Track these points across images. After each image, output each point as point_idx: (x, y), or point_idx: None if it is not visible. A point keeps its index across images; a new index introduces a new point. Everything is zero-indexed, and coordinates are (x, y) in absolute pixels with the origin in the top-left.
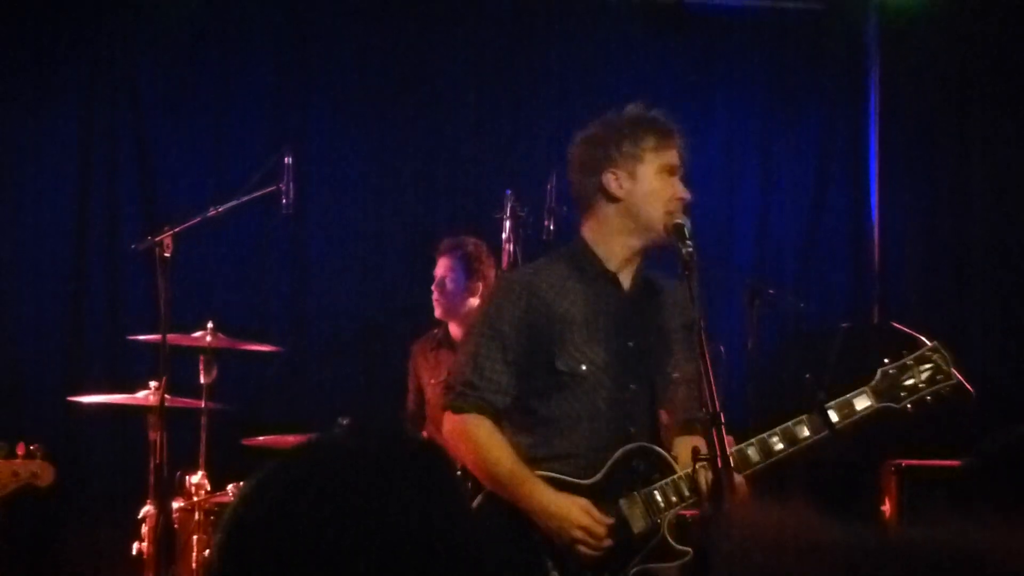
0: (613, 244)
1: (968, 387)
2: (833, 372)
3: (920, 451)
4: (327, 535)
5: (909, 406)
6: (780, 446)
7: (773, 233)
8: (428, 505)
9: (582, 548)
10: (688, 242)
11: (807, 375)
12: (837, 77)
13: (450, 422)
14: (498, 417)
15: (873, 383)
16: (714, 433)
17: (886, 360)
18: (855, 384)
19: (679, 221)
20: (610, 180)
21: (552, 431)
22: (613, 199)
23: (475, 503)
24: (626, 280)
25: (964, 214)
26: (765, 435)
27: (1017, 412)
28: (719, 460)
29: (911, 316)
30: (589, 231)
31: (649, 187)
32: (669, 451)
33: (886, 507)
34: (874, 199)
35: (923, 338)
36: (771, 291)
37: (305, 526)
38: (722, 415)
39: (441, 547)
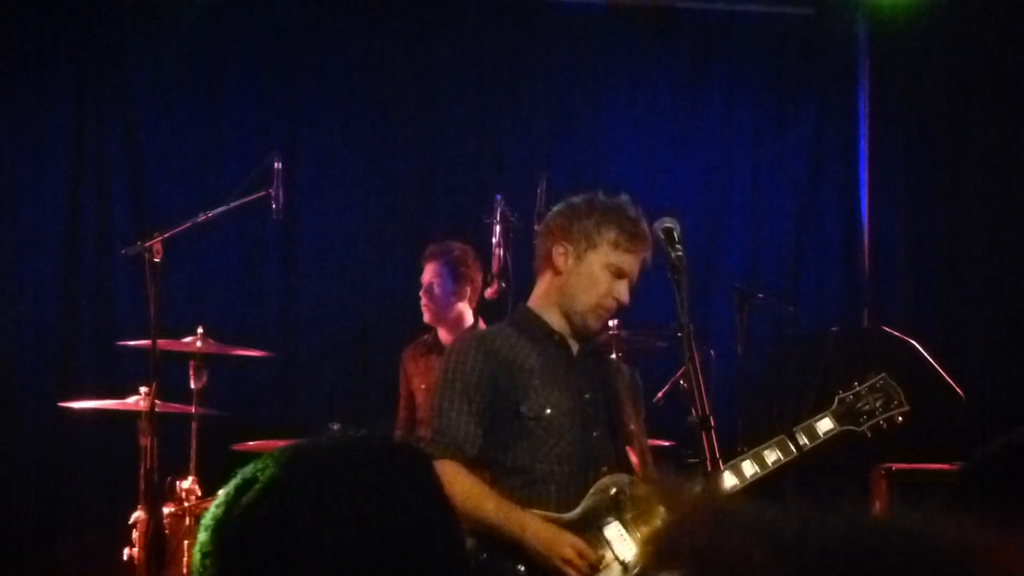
0: (554, 314)
1: (958, 390)
2: (823, 377)
3: (910, 454)
4: (309, 536)
5: (868, 431)
6: (752, 470)
7: (764, 237)
8: (410, 508)
9: (570, 570)
10: (678, 246)
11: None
12: (828, 82)
13: None
14: (469, 464)
15: (833, 408)
16: (704, 437)
17: (840, 391)
18: (817, 409)
19: (668, 225)
20: (558, 252)
21: (522, 479)
22: (557, 272)
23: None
24: (574, 345)
25: (954, 218)
26: (737, 460)
27: (1008, 415)
28: (709, 463)
29: (901, 320)
30: (535, 299)
31: (589, 274)
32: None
33: (876, 511)
34: (864, 203)
35: (870, 374)
36: (760, 295)
37: (286, 527)
38: (712, 419)
39: (423, 549)
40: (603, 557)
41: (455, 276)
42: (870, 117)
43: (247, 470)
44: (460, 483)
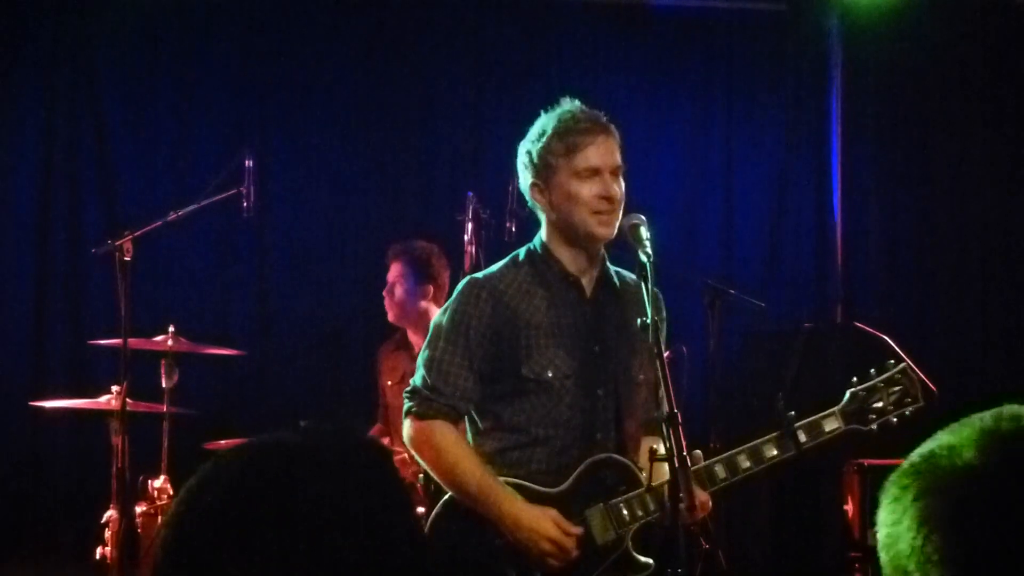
0: (565, 252)
1: (931, 387)
2: (796, 372)
3: (883, 450)
4: (269, 534)
5: (875, 427)
6: (747, 464)
7: (736, 233)
8: (370, 504)
9: (550, 560)
10: (645, 243)
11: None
12: (800, 78)
13: (413, 428)
14: (459, 422)
15: (842, 405)
16: (671, 432)
17: (855, 379)
18: (823, 405)
19: (636, 222)
20: (534, 193)
21: (517, 437)
22: (546, 210)
23: (436, 509)
24: (589, 284)
25: (927, 213)
26: (732, 452)
27: (980, 410)
28: (676, 459)
29: (874, 316)
30: (546, 236)
31: (566, 193)
32: (637, 456)
33: (848, 507)
34: (837, 199)
35: (892, 360)
36: (733, 291)
37: (247, 525)
38: (679, 414)
39: (383, 546)
40: (579, 540)
41: (418, 275)
42: (842, 112)
43: (207, 467)
44: (447, 446)
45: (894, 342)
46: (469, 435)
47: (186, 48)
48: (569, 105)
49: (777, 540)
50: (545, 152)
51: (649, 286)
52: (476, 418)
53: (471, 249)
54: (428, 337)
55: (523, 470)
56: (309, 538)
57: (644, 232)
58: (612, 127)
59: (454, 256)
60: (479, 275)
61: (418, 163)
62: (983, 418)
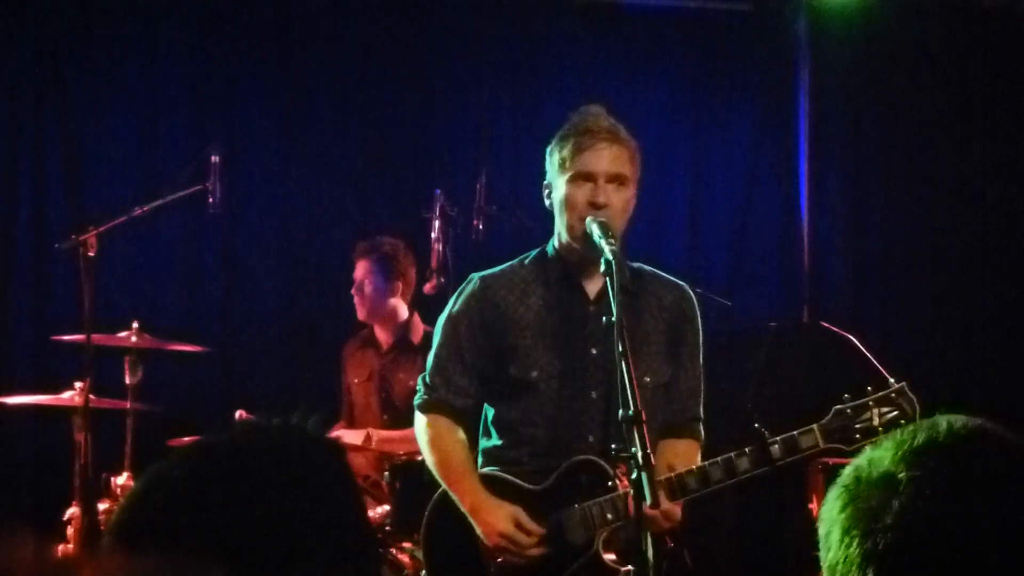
0: (571, 253)
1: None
2: (762, 371)
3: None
4: (216, 534)
5: (860, 447)
6: (719, 476)
7: (703, 233)
8: (318, 500)
9: (504, 554)
10: (611, 240)
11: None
12: (767, 77)
13: (416, 421)
14: (459, 417)
15: (824, 421)
16: (635, 432)
17: (846, 396)
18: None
19: (602, 219)
20: (545, 195)
21: (508, 434)
22: (554, 212)
23: (435, 497)
24: (593, 286)
25: (893, 214)
26: (706, 464)
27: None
28: (640, 458)
29: (840, 315)
30: (555, 237)
31: (563, 196)
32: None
33: (813, 505)
34: (804, 199)
35: (892, 380)
36: (698, 290)
37: (193, 526)
38: (643, 413)
39: (332, 541)
40: (542, 539)
41: (386, 272)
42: (810, 113)
43: (152, 469)
44: (436, 440)
45: (860, 342)
46: (481, 432)
47: (152, 43)
48: (586, 109)
49: (742, 539)
50: (556, 155)
51: (614, 285)
52: (485, 416)
53: (438, 247)
54: (434, 333)
55: (513, 467)
56: (258, 539)
57: (607, 231)
58: (622, 135)
59: (422, 254)
60: (482, 272)
61: (385, 160)
62: (905, 431)
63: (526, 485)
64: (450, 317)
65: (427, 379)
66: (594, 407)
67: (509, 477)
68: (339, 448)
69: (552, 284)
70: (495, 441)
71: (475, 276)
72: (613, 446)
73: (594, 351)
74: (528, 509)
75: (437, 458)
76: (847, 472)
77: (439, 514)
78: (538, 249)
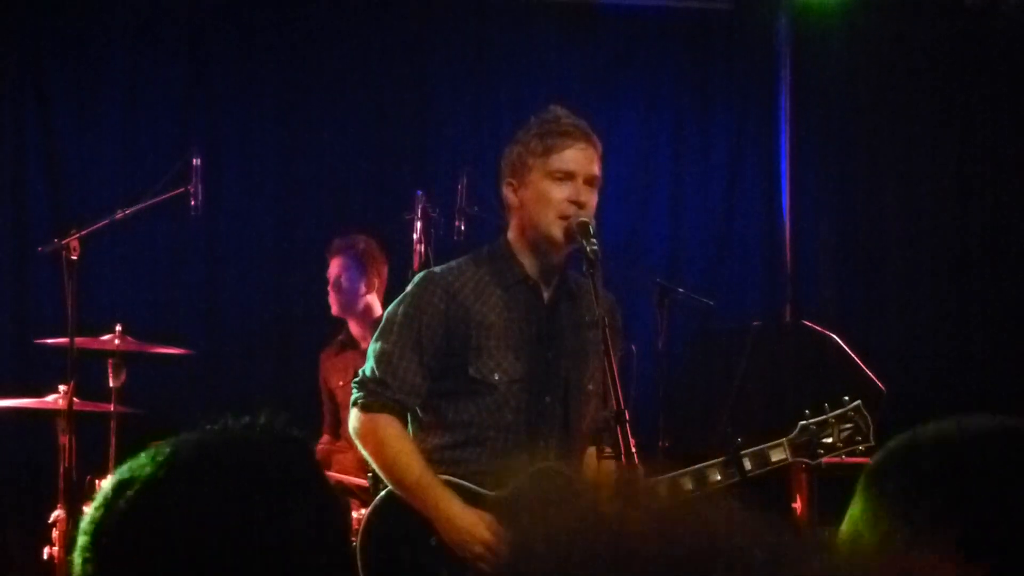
0: (528, 255)
1: (879, 384)
2: (745, 371)
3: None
4: (186, 536)
5: (823, 462)
6: (690, 486)
7: (685, 231)
8: (290, 502)
9: (480, 564)
10: (593, 240)
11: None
12: (748, 76)
13: (358, 420)
14: (405, 416)
15: (792, 436)
16: (619, 430)
17: (807, 412)
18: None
19: (584, 219)
20: (508, 191)
21: (458, 436)
22: (514, 209)
23: (375, 502)
24: (547, 289)
25: (875, 212)
26: (677, 473)
27: (928, 409)
28: (624, 457)
29: (822, 315)
30: (512, 237)
31: (536, 192)
32: (580, 465)
33: (797, 504)
34: (786, 197)
35: (846, 397)
36: (680, 290)
37: (163, 528)
38: (627, 412)
39: (304, 544)
40: None
41: (361, 269)
42: (791, 111)
43: (123, 470)
44: (389, 440)
45: (842, 341)
46: (411, 428)
47: (133, 45)
48: (555, 108)
49: None
50: (523, 151)
51: (598, 284)
52: (419, 413)
53: (420, 248)
54: (380, 328)
55: (461, 468)
56: (228, 542)
57: (592, 229)
58: (595, 138)
59: (403, 255)
60: (437, 269)
61: (367, 161)
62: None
63: (480, 489)
64: (406, 313)
65: (375, 376)
66: (548, 411)
67: (465, 483)
68: (307, 448)
69: (510, 285)
70: (437, 440)
71: (430, 272)
72: (599, 444)
73: (549, 354)
74: (489, 515)
75: (394, 462)
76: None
77: (381, 522)
78: (488, 246)
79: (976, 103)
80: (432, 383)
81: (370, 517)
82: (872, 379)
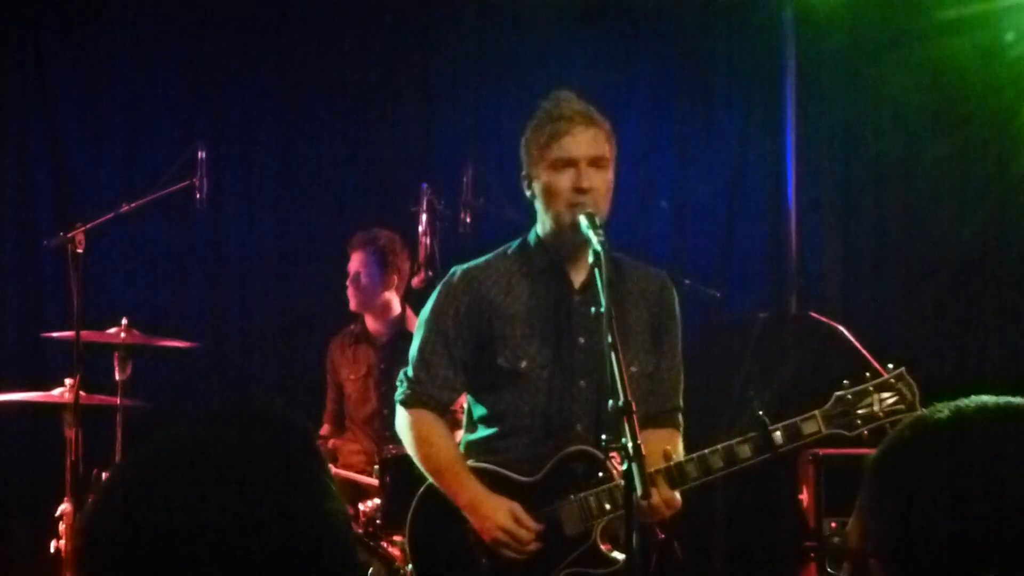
0: (554, 243)
1: (886, 376)
2: (751, 362)
3: (838, 440)
4: (180, 531)
5: (865, 432)
6: (720, 464)
7: (691, 222)
8: (287, 490)
9: (503, 549)
10: (599, 231)
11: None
12: (754, 67)
13: (399, 415)
14: (443, 411)
15: (825, 408)
16: (625, 422)
17: (845, 382)
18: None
19: (590, 210)
20: (524, 186)
21: (498, 427)
22: (535, 201)
23: (418, 494)
24: (578, 275)
25: (881, 203)
26: (706, 452)
27: (934, 400)
28: (630, 449)
29: (829, 306)
30: (538, 227)
31: (545, 183)
32: None
33: (804, 496)
34: (791, 189)
35: (890, 365)
36: (687, 281)
37: (162, 521)
38: (632, 404)
39: (301, 533)
40: (540, 534)
41: (382, 264)
42: (797, 101)
43: (117, 466)
44: (423, 434)
45: (849, 332)
46: (464, 424)
47: (137, 39)
48: (557, 95)
49: (733, 530)
50: (532, 144)
51: (603, 276)
52: (470, 408)
53: (425, 240)
54: (416, 328)
55: (500, 457)
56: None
57: (598, 219)
58: (596, 118)
59: (408, 248)
60: (464, 265)
61: (372, 153)
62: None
63: (518, 477)
64: (434, 311)
65: (410, 373)
66: (583, 396)
67: (501, 470)
68: (306, 431)
69: (537, 274)
70: (483, 433)
71: (457, 269)
72: (604, 436)
73: (581, 340)
74: (521, 501)
75: (426, 454)
76: None
77: (425, 509)
78: (520, 239)
79: (982, 94)
80: (469, 377)
81: (416, 508)
82: (879, 370)
